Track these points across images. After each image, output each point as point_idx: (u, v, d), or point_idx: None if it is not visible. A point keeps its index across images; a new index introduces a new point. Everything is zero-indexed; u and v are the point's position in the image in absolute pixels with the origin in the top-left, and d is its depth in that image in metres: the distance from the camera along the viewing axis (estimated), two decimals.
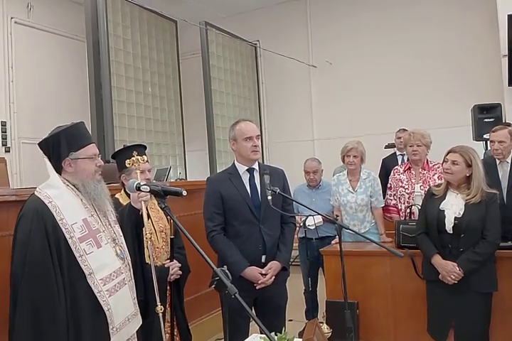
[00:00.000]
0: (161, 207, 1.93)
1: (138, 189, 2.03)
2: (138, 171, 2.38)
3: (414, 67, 6.83)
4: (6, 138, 6.31)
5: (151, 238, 2.27)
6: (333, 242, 3.65)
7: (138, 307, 2.04)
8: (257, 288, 2.57)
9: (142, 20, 6.16)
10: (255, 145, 2.65)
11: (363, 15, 7.22)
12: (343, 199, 3.62)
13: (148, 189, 2.00)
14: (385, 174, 4.67)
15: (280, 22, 7.85)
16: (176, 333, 2.56)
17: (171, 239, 2.54)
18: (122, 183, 2.59)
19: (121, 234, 2.06)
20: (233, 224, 2.65)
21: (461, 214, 2.70)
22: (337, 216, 3.10)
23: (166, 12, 6.44)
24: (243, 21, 7.87)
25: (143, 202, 2.19)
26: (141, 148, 2.55)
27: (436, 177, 3.41)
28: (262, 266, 2.62)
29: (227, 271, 1.41)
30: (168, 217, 2.53)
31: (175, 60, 6.83)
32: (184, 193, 1.92)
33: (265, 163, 6.56)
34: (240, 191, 2.65)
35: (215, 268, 1.43)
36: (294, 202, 2.92)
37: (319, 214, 2.54)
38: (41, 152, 1.96)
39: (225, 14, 7.64)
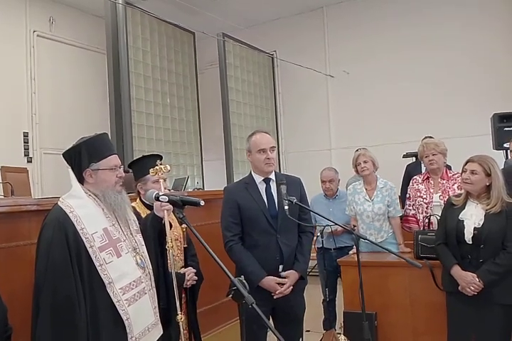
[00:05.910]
0: (179, 217, 1.95)
1: (157, 199, 2.05)
2: (162, 180, 2.35)
3: (433, 76, 6.80)
4: (28, 149, 6.46)
5: (172, 247, 2.27)
6: (350, 252, 3.63)
7: (158, 317, 2.03)
8: (275, 297, 2.56)
9: (161, 33, 6.28)
10: (269, 158, 2.63)
11: (380, 24, 7.24)
12: (360, 208, 3.59)
13: (167, 199, 2.02)
14: (408, 180, 4.61)
15: (297, 32, 7.91)
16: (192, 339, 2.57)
17: (184, 247, 2.57)
18: (138, 192, 2.62)
19: (143, 244, 2.06)
20: (250, 233, 2.64)
21: (481, 224, 2.65)
22: (354, 226, 3.08)
23: (184, 24, 6.55)
24: (260, 32, 7.95)
25: (165, 211, 2.17)
26: (158, 158, 2.58)
27: (455, 186, 3.35)
28: (279, 275, 2.60)
29: (244, 281, 1.41)
30: (183, 226, 2.56)
31: (193, 71, 6.93)
32: (202, 203, 1.94)
33: (282, 173, 6.55)
34: (257, 201, 2.64)
35: (232, 277, 1.43)
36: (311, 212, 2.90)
37: (337, 224, 2.53)
38: (65, 162, 1.99)
39: (242, 25, 7.72)
